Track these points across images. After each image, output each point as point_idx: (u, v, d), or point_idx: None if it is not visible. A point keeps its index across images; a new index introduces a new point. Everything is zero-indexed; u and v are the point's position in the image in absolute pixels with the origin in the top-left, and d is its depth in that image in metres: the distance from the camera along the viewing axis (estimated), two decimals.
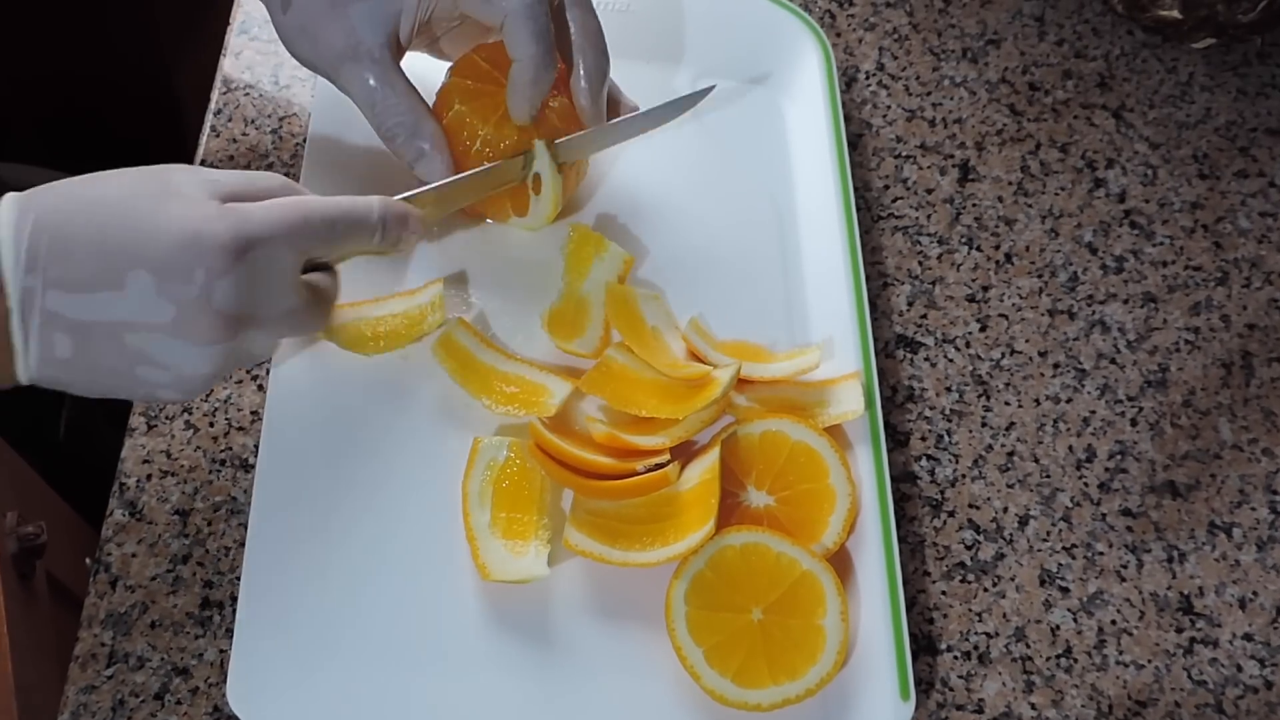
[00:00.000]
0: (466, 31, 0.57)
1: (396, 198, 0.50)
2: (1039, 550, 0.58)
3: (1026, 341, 0.63)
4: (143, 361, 0.42)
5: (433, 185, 0.53)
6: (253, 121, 0.64)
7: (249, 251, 0.42)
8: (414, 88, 0.54)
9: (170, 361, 0.42)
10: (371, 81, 0.52)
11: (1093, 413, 0.61)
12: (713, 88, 0.61)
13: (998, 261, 0.66)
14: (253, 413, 0.56)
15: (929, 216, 0.67)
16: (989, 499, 0.59)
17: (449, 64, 0.58)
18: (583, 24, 0.55)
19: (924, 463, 0.59)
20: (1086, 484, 0.60)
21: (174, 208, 0.41)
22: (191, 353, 0.42)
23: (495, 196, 0.57)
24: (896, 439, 0.60)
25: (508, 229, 0.60)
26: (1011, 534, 0.58)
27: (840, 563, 0.53)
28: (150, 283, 0.40)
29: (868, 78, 0.71)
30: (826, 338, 0.59)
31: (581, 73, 0.55)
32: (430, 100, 0.56)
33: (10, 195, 0.40)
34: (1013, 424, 0.61)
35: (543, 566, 0.50)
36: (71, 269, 0.39)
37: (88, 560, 0.54)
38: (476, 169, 0.54)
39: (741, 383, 0.56)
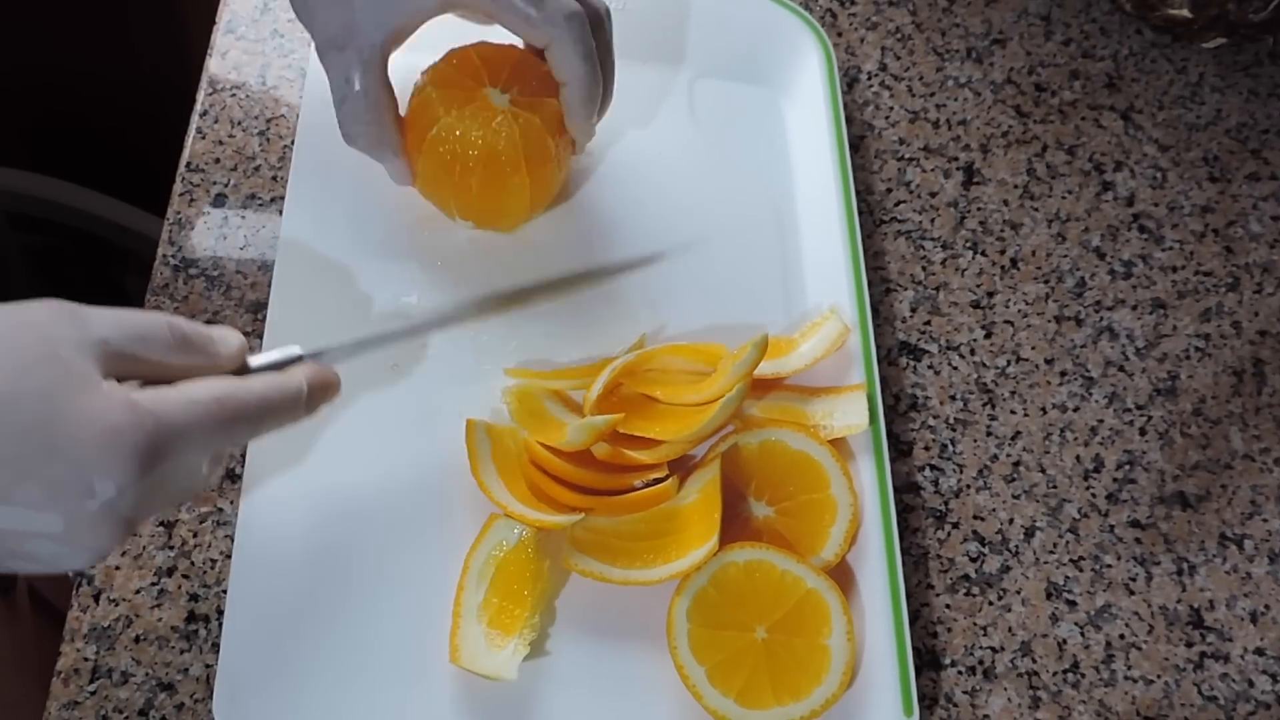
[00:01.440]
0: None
1: (312, 353, 0.46)
2: (1045, 563, 0.58)
3: (1033, 349, 0.64)
4: (18, 557, 0.38)
5: (353, 341, 0.48)
6: (239, 123, 0.65)
7: (163, 461, 0.38)
8: (391, 96, 0.54)
9: (50, 559, 0.38)
10: (350, 78, 0.52)
11: (1100, 422, 0.62)
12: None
13: (1003, 267, 0.66)
14: None
15: (933, 220, 0.67)
16: (994, 510, 0.59)
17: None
18: (606, 48, 0.56)
19: (927, 473, 0.60)
20: (1094, 495, 0.60)
21: (72, 407, 0.36)
22: (76, 555, 0.38)
23: (441, 195, 0.57)
24: (899, 448, 0.60)
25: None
26: (1017, 546, 0.58)
27: (842, 575, 0.53)
28: (41, 496, 0.36)
29: (870, 78, 0.72)
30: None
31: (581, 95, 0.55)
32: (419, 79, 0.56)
33: None
34: (1018, 433, 0.61)
35: (513, 670, 0.49)
36: None
37: (70, 573, 0.54)
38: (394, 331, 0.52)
39: (761, 383, 0.57)
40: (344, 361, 0.47)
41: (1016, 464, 0.60)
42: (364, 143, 0.54)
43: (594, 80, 0.54)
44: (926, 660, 0.55)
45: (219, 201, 0.62)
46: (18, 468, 0.36)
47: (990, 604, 0.57)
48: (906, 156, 0.69)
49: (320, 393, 0.45)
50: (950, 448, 0.60)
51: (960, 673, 0.55)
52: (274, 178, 0.63)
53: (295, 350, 0.45)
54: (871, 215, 0.67)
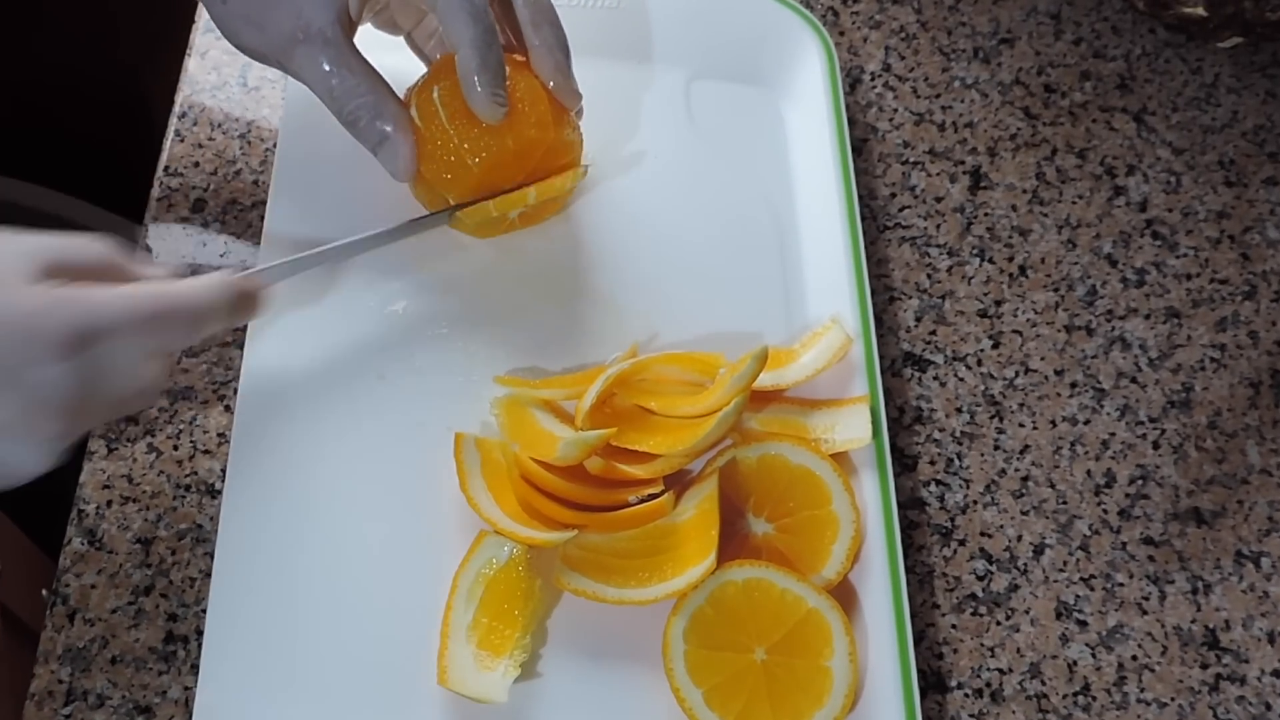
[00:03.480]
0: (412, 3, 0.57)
1: (248, 273, 0.50)
2: (1055, 581, 0.58)
3: (1042, 359, 0.64)
4: None
5: (285, 260, 0.53)
6: (220, 126, 0.65)
7: (88, 346, 0.41)
8: (372, 67, 0.54)
9: (12, 458, 0.42)
10: (326, 65, 0.53)
11: (1112, 435, 0.62)
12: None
13: (1011, 274, 0.67)
14: (219, 435, 0.57)
15: (938, 226, 0.68)
16: (1002, 527, 0.60)
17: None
18: (534, 2, 0.55)
19: (933, 488, 0.60)
20: (1106, 511, 0.60)
21: None
22: (25, 449, 0.42)
23: (431, 193, 0.58)
24: (904, 463, 0.61)
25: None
26: (1026, 564, 0.59)
27: (844, 594, 0.54)
28: None
29: (873, 79, 0.73)
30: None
31: (544, 52, 0.55)
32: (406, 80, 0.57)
33: None
34: (1027, 447, 0.62)
35: (504, 692, 0.49)
36: None
37: (44, 592, 0.55)
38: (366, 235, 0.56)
39: (760, 395, 0.57)
40: (278, 282, 0.52)
41: (1025, 479, 0.61)
42: (367, 119, 0.54)
43: (488, 45, 0.52)
44: (932, 682, 0.56)
45: (198, 206, 0.63)
46: None
47: (998, 624, 0.57)
48: (911, 160, 0.70)
49: (247, 306, 0.49)
50: (956, 462, 0.61)
51: (967, 695, 0.56)
52: (255, 182, 0.64)
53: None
54: (875, 221, 0.68)
